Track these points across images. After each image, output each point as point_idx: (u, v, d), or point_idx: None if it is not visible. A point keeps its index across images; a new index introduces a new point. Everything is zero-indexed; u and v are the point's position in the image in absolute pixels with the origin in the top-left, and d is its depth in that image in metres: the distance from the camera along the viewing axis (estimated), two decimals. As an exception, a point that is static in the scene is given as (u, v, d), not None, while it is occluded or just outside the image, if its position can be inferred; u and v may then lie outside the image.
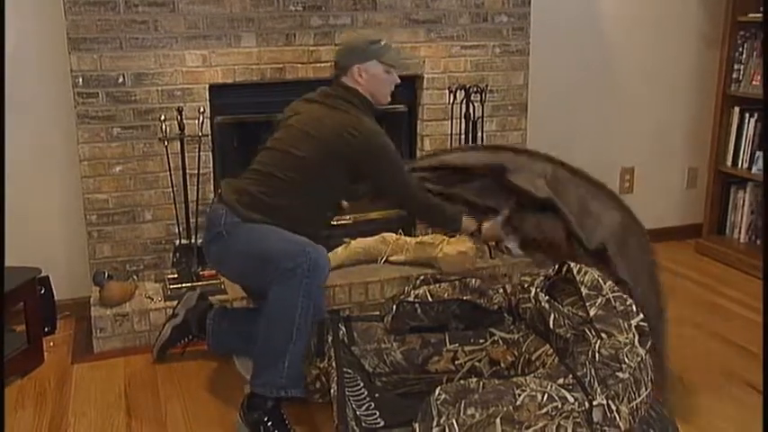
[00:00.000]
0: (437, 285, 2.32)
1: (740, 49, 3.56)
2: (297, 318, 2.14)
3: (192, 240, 2.91)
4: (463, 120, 3.21)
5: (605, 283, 2.03)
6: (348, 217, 3.30)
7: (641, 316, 1.95)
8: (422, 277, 2.38)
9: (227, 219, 2.30)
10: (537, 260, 2.69)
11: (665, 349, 2.27)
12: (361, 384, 2.00)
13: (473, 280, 2.31)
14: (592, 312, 1.94)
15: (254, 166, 2.38)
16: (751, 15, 3.46)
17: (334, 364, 2.00)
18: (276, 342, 2.17)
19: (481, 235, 2.60)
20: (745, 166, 3.60)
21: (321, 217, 2.45)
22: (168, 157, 2.84)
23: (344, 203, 2.62)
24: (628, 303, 1.96)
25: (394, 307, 2.29)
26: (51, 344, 2.80)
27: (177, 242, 2.91)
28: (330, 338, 2.09)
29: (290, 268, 2.12)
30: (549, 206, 2.46)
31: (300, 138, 2.33)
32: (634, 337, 1.91)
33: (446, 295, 2.30)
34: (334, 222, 3.23)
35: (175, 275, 2.91)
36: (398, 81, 2.47)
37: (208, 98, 2.91)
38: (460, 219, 2.56)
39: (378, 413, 1.91)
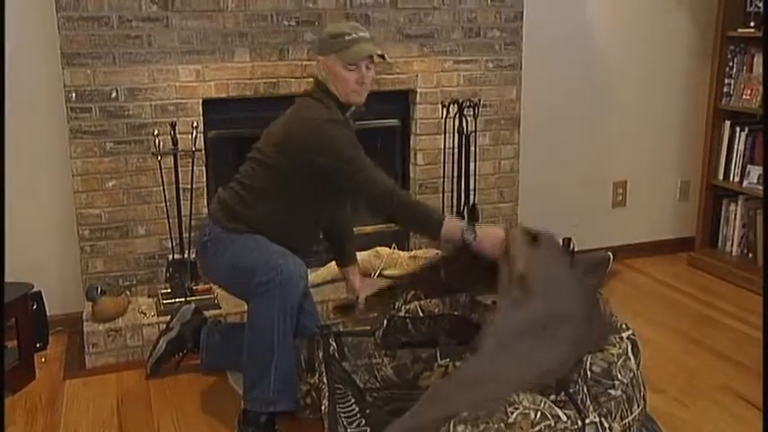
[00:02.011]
0: (428, 300, 2.32)
1: (730, 64, 3.59)
2: (274, 333, 2.14)
3: (186, 255, 2.90)
4: (456, 134, 3.22)
5: None
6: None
7: (631, 330, 1.95)
8: (412, 292, 2.38)
9: (211, 230, 2.34)
10: None
11: None
12: (353, 401, 2.00)
13: (464, 295, 2.31)
14: None
15: (236, 176, 2.38)
16: (740, 30, 3.49)
17: (324, 379, 1.99)
18: (259, 358, 2.18)
19: (475, 244, 2.10)
20: (737, 179, 3.62)
21: (303, 229, 2.37)
22: (161, 172, 2.84)
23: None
24: (619, 323, 1.96)
25: (385, 322, 2.29)
26: (43, 360, 2.78)
27: (170, 257, 2.91)
28: (321, 354, 2.09)
29: (264, 282, 2.13)
30: None
31: (268, 143, 2.31)
32: (627, 347, 1.91)
33: (437, 310, 2.30)
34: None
35: (168, 290, 2.90)
36: (364, 79, 2.25)
37: (201, 113, 2.91)
38: (440, 222, 2.15)
39: (369, 429, 1.91)
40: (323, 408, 1.96)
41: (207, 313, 2.74)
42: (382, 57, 2.28)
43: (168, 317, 2.73)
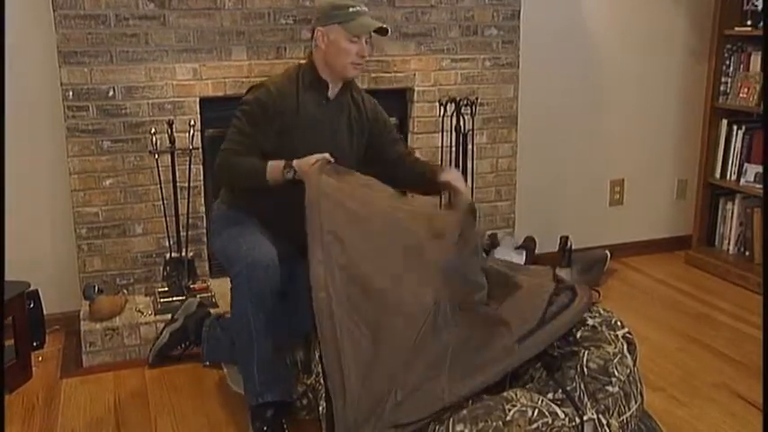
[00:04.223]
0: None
1: (727, 63, 3.59)
2: (251, 324, 2.16)
3: (183, 253, 2.90)
4: (454, 132, 3.22)
5: (591, 318, 2.03)
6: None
7: (626, 329, 1.95)
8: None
9: (216, 207, 2.41)
10: None
11: None
12: (350, 401, 1.99)
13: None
14: (578, 335, 1.94)
15: None
16: (737, 29, 3.50)
17: (321, 380, 1.99)
18: (243, 351, 2.21)
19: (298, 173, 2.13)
20: (734, 177, 3.62)
21: (290, 202, 2.14)
22: (159, 171, 2.84)
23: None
24: (613, 321, 1.96)
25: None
26: (40, 358, 2.78)
27: (168, 255, 2.91)
28: (317, 354, 2.09)
29: (235, 274, 2.16)
30: None
31: None
32: (623, 346, 1.92)
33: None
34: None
35: (166, 289, 2.90)
36: (365, 53, 2.24)
37: (198, 111, 2.91)
38: (264, 168, 2.16)
39: (367, 429, 1.90)
40: (320, 409, 1.95)
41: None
42: (386, 31, 2.26)
43: (165, 315, 2.74)
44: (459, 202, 2.25)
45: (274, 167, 2.15)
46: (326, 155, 2.14)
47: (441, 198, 2.40)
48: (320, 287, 1.81)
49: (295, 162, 2.13)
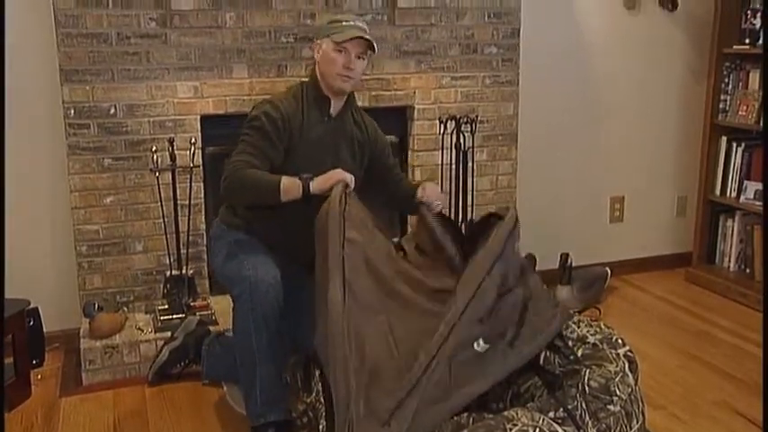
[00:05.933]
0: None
1: (726, 80, 3.61)
2: (253, 345, 2.16)
3: (183, 271, 2.90)
4: (454, 150, 3.23)
5: (592, 335, 2.02)
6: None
7: (627, 347, 1.95)
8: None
9: (215, 226, 2.42)
10: None
11: None
12: (351, 419, 1.98)
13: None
14: (579, 353, 1.93)
15: None
16: (736, 47, 3.52)
17: (321, 398, 1.98)
18: (245, 371, 2.21)
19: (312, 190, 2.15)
20: (734, 195, 3.63)
21: (296, 225, 2.19)
22: (159, 188, 2.85)
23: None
24: (614, 339, 1.96)
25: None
26: (39, 376, 2.76)
27: (168, 273, 2.91)
28: (317, 372, 2.08)
29: (237, 295, 2.16)
30: None
31: None
32: (624, 365, 1.91)
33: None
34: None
35: (166, 307, 2.89)
36: (351, 65, 2.26)
37: (199, 129, 2.92)
38: (278, 182, 2.15)
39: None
40: (320, 427, 1.94)
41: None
42: (372, 47, 2.30)
43: (166, 333, 2.73)
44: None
45: (290, 183, 2.14)
46: (346, 177, 2.16)
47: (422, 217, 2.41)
48: (337, 311, 1.79)
49: (313, 181, 2.14)
